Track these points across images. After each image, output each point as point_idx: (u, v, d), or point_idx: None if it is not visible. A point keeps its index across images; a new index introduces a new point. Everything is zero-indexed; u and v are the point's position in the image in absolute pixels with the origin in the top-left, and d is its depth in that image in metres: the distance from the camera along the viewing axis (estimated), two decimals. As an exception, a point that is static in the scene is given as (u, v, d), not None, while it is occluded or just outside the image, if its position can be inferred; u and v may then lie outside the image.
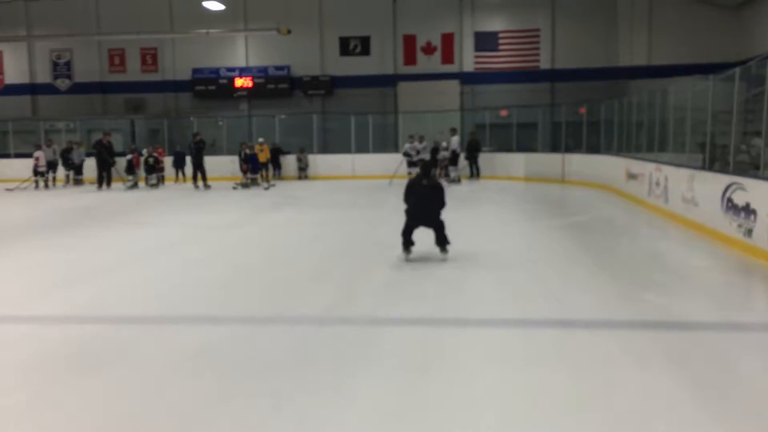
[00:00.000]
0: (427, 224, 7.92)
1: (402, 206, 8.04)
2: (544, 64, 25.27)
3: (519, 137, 21.98)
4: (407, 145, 20.10)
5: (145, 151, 20.85)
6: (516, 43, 25.59)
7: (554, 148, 20.84)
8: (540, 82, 25.01)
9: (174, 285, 7.07)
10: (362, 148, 23.48)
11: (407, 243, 7.91)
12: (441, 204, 7.93)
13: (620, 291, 6.54)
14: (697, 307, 6.05)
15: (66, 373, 4.48)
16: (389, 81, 26.22)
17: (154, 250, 9.31)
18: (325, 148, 24.48)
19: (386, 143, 23.77)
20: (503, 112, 23.28)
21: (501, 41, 25.71)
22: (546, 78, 25.11)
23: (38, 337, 5.31)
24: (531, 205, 14.26)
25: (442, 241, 7.92)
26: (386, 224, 11.11)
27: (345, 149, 23.62)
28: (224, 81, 27.40)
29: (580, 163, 18.67)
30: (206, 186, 19.11)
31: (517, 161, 20.55)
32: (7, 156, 24.02)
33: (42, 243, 10.05)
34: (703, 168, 10.44)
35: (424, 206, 7.82)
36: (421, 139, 20.42)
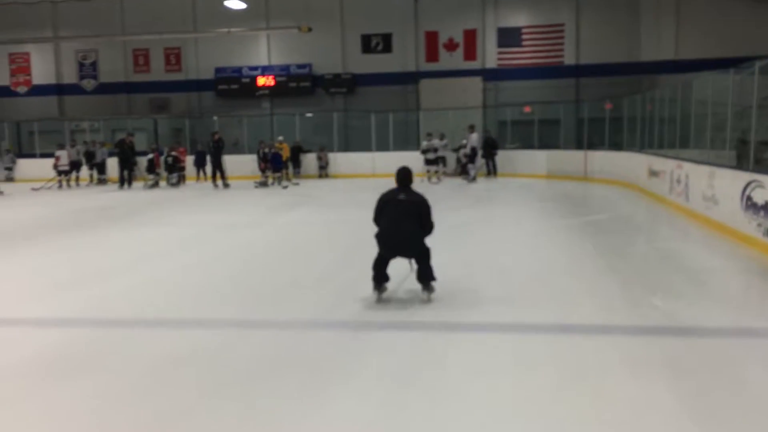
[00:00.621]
0: (405, 253, 6.06)
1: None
2: (569, 59, 24.81)
3: (541, 134, 21.62)
4: (425, 143, 19.85)
5: (164, 151, 20.99)
6: (540, 38, 25.17)
7: (578, 145, 20.44)
8: (564, 78, 24.55)
9: (173, 288, 6.98)
10: (383, 146, 23.33)
11: (379, 278, 6.00)
12: (425, 226, 6.03)
13: (627, 294, 6.28)
14: (707, 312, 5.76)
15: (46, 377, 4.40)
16: (411, 78, 26.01)
17: (160, 251, 9.27)
18: (347, 146, 24.39)
19: (408, 141, 23.56)
20: (527, 109, 22.91)
21: (524, 37, 25.32)
22: (570, 74, 24.64)
23: (28, 340, 5.27)
24: (549, 203, 13.96)
25: (425, 275, 5.97)
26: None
27: (366, 147, 23.49)
28: (247, 80, 27.46)
29: (602, 160, 18.26)
30: (225, 185, 19.14)
31: (538, 158, 20.21)
32: (32, 156, 24.39)
33: (52, 243, 10.09)
34: (725, 166, 10.05)
35: (400, 229, 5.89)
36: (441, 137, 20.17)
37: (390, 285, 6.13)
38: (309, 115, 25.41)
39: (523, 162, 20.51)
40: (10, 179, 23.20)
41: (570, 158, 19.46)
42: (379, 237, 6.00)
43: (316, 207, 14.50)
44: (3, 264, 8.55)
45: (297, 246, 9.59)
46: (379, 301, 6.00)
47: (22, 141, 27.12)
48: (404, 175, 6.14)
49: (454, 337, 5.13)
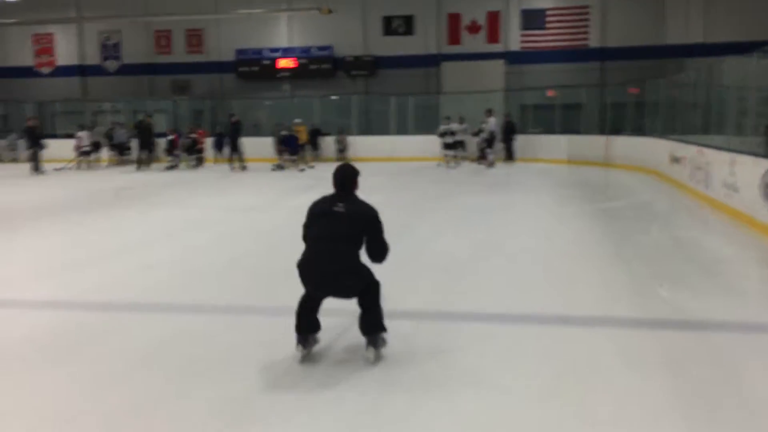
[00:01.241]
0: (339, 291, 4.22)
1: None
2: (594, 42, 24.27)
3: (563, 119, 21.23)
4: (442, 126, 19.57)
5: (184, 133, 21.04)
6: (564, 20, 24.66)
7: (600, 130, 20.03)
8: (588, 61, 24.04)
9: (171, 271, 6.93)
10: (403, 130, 23.12)
11: (304, 328, 4.26)
12: (373, 250, 4.25)
13: (634, 285, 6.09)
14: (715, 305, 5.54)
15: (29, 360, 4.38)
16: (433, 61, 25.69)
17: (168, 233, 9.27)
18: (367, 130, 24.21)
19: (428, 125, 23.32)
20: (550, 93, 22.50)
21: (549, 19, 24.83)
22: (595, 57, 24.12)
23: (19, 321, 5.26)
24: (566, 188, 13.69)
25: (370, 324, 4.24)
26: (407, 210, 10.90)
27: (386, 131, 23.31)
28: (267, 62, 27.35)
29: (624, 145, 17.85)
30: (242, 167, 19.14)
31: (559, 143, 19.85)
32: (54, 136, 24.60)
33: (60, 225, 10.13)
34: (746, 152, 9.72)
35: (331, 255, 4.10)
36: (461, 120, 19.88)
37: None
38: (333, 97, 25.27)
39: (544, 147, 20.17)
40: (31, 159, 23.38)
41: (591, 143, 19.07)
42: (301, 267, 4.18)
43: (330, 190, 14.35)
44: (14, 243, 8.62)
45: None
46: (304, 360, 4.23)
47: (45, 121, 27.40)
48: (345, 177, 4.35)
49: (449, 326, 5.00)
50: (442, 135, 19.42)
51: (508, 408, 3.60)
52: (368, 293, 4.25)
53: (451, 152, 19.31)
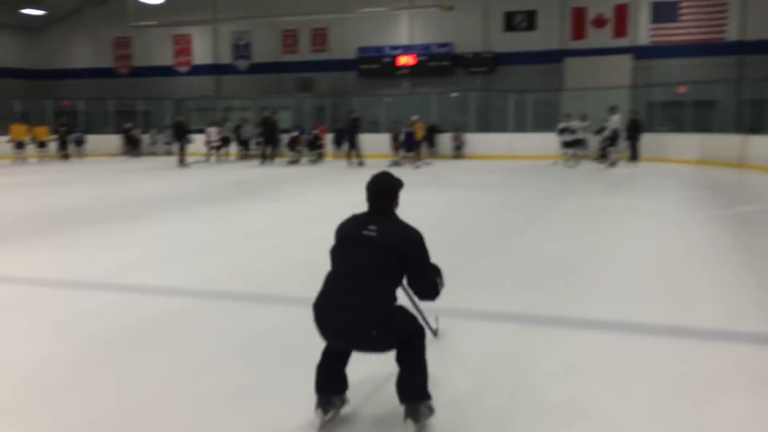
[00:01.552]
0: (364, 345, 3.21)
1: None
2: (732, 35, 22.72)
3: (695, 116, 20.03)
4: (562, 124, 19.02)
5: (306, 129, 21.79)
6: (699, 12, 23.28)
7: (736, 128, 18.73)
8: (725, 55, 22.53)
9: (283, 263, 7.11)
10: (521, 128, 22.71)
11: (324, 387, 3.32)
12: (415, 282, 3.30)
13: (763, 298, 5.67)
14: None
15: (130, 348, 4.56)
16: (555, 57, 25.06)
17: (281, 225, 9.60)
18: (485, 127, 24.00)
19: (548, 122, 22.78)
20: (681, 89, 21.31)
21: (682, 11, 23.53)
22: (732, 51, 22.57)
23: (133, 305, 5.52)
24: (694, 191, 12.91)
25: (410, 388, 3.19)
26: (518, 208, 10.74)
27: (504, 128, 23.00)
28: (388, 59, 27.76)
29: (762, 145, 16.57)
30: (360, 163, 19.54)
31: (689, 143, 18.76)
32: (189, 132, 26.22)
33: (178, 215, 10.72)
34: None
35: (354, 294, 3.10)
36: (583, 118, 19.25)
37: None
38: (452, 94, 25.23)
39: (672, 146, 19.14)
40: (169, 153, 25.08)
41: (725, 143, 17.87)
42: (316, 309, 3.17)
43: (442, 188, 14.40)
44: (132, 233, 9.13)
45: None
46: (325, 428, 3.27)
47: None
48: (382, 190, 3.41)
49: (552, 331, 4.88)
50: (562, 132, 18.90)
51: (615, 417, 3.47)
52: (408, 347, 3.19)
53: (570, 150, 18.75)
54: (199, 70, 31.01)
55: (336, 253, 3.35)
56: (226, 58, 30.69)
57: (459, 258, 7.06)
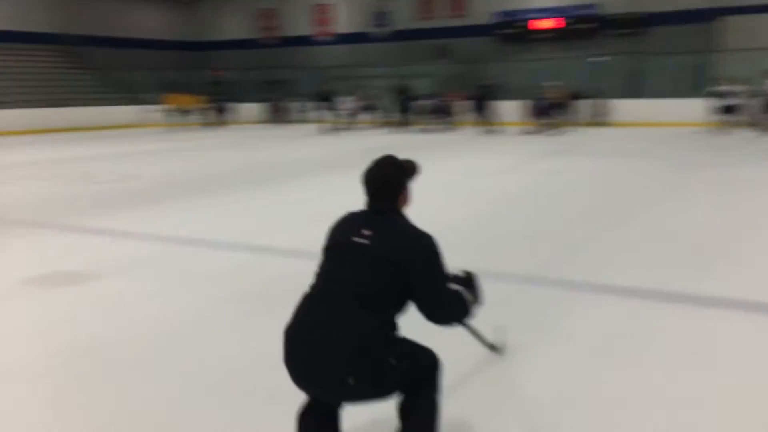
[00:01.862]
0: (339, 394, 2.26)
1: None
2: None
3: None
4: (712, 89, 17.42)
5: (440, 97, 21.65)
6: None
7: None
8: None
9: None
10: (669, 93, 21.13)
11: None
12: (431, 307, 2.37)
13: None
14: None
15: (251, 306, 4.79)
16: (712, 15, 22.97)
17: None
18: (629, 92, 22.58)
19: (699, 87, 21.04)
20: None
21: None
22: None
23: (250, 268, 5.76)
24: None
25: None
26: (656, 178, 10.14)
27: (650, 93, 21.53)
28: (524, 23, 26.82)
29: None
30: (493, 131, 19.16)
31: None
32: (327, 100, 26.86)
33: (308, 180, 11.17)
34: None
35: (327, 324, 2.21)
36: (738, 82, 17.54)
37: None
38: (595, 59, 23.97)
39: None
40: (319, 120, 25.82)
41: None
42: (284, 342, 2.31)
43: (578, 156, 13.76)
44: (273, 196, 9.66)
45: (534, 196, 9.23)
46: None
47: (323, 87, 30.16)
48: (382, 181, 2.52)
49: (665, 306, 4.52)
50: (711, 95, 17.37)
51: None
52: (412, 393, 2.33)
53: (721, 117, 17.21)
54: (339, 39, 31.68)
55: (325, 261, 2.49)
56: (365, 26, 31.08)
57: (585, 231, 6.81)
